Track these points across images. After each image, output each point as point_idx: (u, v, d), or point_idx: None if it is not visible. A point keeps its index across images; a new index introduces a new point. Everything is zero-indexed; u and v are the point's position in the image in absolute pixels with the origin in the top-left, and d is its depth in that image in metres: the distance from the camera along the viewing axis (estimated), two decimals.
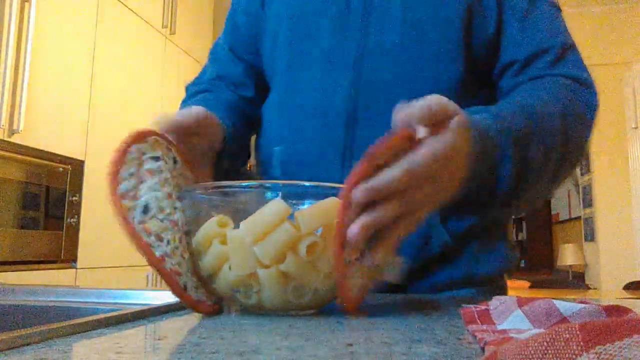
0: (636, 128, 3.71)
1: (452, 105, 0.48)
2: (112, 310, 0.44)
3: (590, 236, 4.16)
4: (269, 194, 0.45)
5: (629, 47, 3.96)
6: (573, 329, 0.21)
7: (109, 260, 2.33)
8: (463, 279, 0.68)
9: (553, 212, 6.24)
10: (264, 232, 0.42)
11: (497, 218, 0.72)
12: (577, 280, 4.27)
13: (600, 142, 4.00)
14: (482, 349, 0.29)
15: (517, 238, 7.05)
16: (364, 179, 0.41)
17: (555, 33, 0.71)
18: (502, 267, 0.72)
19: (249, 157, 0.80)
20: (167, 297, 0.54)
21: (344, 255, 0.41)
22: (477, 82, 0.70)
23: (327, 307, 0.48)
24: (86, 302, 0.56)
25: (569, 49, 0.70)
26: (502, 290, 0.74)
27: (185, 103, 0.77)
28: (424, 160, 0.43)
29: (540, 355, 0.21)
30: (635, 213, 3.78)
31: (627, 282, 3.38)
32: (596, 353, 0.19)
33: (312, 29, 0.71)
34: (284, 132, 0.72)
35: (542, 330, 0.32)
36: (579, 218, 4.67)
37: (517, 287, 3.54)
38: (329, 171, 0.66)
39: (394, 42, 0.66)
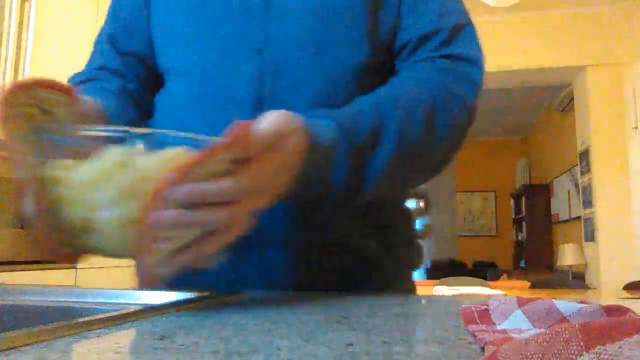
0: (636, 128, 3.71)
1: (293, 124, 0.50)
2: (112, 310, 0.44)
3: (590, 236, 4.16)
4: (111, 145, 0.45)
5: (629, 47, 3.96)
6: (573, 329, 0.21)
7: (109, 260, 2.32)
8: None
9: (553, 212, 6.25)
10: (97, 175, 0.43)
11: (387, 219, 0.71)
12: (577, 280, 4.27)
13: (600, 142, 4.00)
14: (482, 349, 0.29)
15: (517, 238, 7.05)
16: (194, 169, 0.41)
17: (448, 13, 0.69)
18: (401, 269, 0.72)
19: None
20: (167, 297, 0.54)
21: (148, 233, 0.41)
22: (385, 67, 0.69)
23: (326, 307, 0.48)
24: (86, 302, 0.56)
25: (461, 28, 0.69)
26: (410, 292, 0.75)
27: None
28: (252, 179, 0.45)
29: (540, 355, 0.21)
30: (635, 213, 3.78)
31: (627, 282, 3.38)
32: (596, 353, 0.19)
33: (212, 16, 0.68)
34: (187, 121, 0.70)
35: (542, 330, 0.32)
36: (579, 218, 4.67)
37: (517, 287, 3.54)
38: None
39: (298, 27, 0.65)
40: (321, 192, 0.56)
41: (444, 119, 0.62)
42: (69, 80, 0.78)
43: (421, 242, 0.78)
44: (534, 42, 4.10)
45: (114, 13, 0.81)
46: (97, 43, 0.82)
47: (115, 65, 0.78)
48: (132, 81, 0.78)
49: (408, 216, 0.77)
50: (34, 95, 0.47)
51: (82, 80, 0.76)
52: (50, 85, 0.49)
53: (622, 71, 3.92)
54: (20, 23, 1.93)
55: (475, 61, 0.68)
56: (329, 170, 0.55)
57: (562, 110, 5.47)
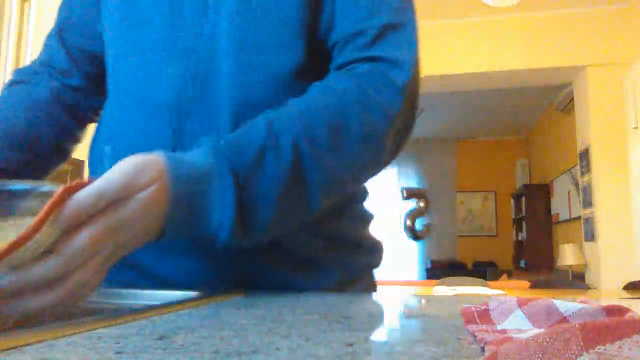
0: (636, 128, 3.71)
1: (145, 172, 0.44)
2: (112, 310, 0.44)
3: (590, 236, 4.17)
4: None
5: (629, 47, 3.96)
6: (573, 329, 0.21)
7: None
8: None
9: (553, 212, 6.25)
10: None
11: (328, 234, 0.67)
12: (577, 280, 4.27)
13: (600, 142, 4.01)
14: (482, 349, 0.29)
15: (517, 238, 7.06)
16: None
17: (377, 12, 0.63)
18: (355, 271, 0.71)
19: (66, 156, 0.77)
20: (167, 297, 0.54)
21: None
22: (317, 70, 0.64)
23: (326, 307, 0.48)
24: (86, 302, 0.56)
25: (390, 28, 0.63)
26: (370, 289, 0.74)
27: (3, 91, 0.74)
28: (89, 243, 0.40)
29: (540, 355, 0.21)
30: (635, 213, 3.78)
31: (627, 282, 3.38)
32: (596, 353, 0.19)
33: (144, 16, 0.65)
34: (112, 127, 0.67)
35: (542, 330, 0.32)
36: (579, 218, 4.67)
37: (517, 287, 3.54)
38: None
39: (229, 29, 0.61)
40: (206, 231, 0.49)
41: (356, 129, 0.57)
42: (12, 73, 0.78)
43: (378, 240, 0.75)
44: (534, 42, 4.10)
45: (66, 6, 0.79)
46: (47, 37, 0.80)
47: (59, 62, 0.76)
48: (77, 78, 0.76)
49: (358, 218, 0.73)
50: None
51: (16, 80, 0.75)
52: None
53: (622, 71, 3.92)
54: (20, 23, 1.93)
55: (401, 64, 0.61)
56: (207, 207, 0.49)
57: (562, 110, 5.47)
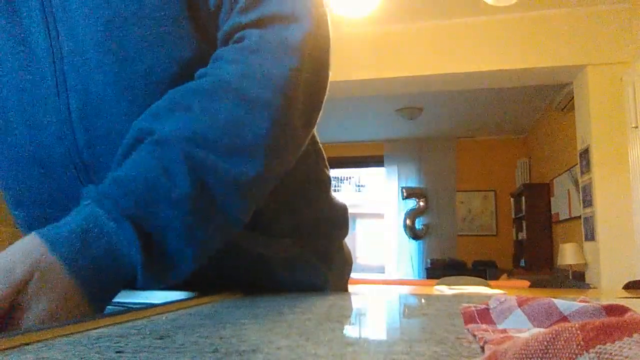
0: (636, 128, 3.71)
1: (21, 265, 0.40)
2: (112, 310, 0.44)
3: (590, 236, 4.16)
4: None
5: (629, 47, 3.96)
6: (573, 328, 0.21)
7: None
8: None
9: (553, 212, 6.25)
10: None
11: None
12: (577, 279, 4.27)
13: (600, 142, 4.01)
14: (482, 348, 0.29)
15: (517, 238, 7.05)
16: None
17: None
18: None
19: None
20: (167, 297, 0.54)
21: None
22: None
23: (326, 307, 0.48)
24: None
25: None
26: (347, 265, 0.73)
27: None
28: None
29: (540, 355, 0.21)
30: (635, 213, 3.78)
31: (627, 281, 3.38)
32: (596, 352, 0.19)
33: (4, 60, 0.55)
34: (12, 190, 0.59)
35: (542, 329, 0.32)
36: (579, 218, 4.67)
37: (517, 286, 3.54)
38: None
39: (88, 47, 0.51)
40: (125, 274, 0.44)
41: (248, 120, 0.49)
42: None
43: (340, 205, 0.72)
44: (534, 42, 4.10)
45: None
46: None
47: None
48: None
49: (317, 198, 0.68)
50: None
51: None
52: None
53: (622, 71, 3.92)
54: None
55: (293, 19, 0.52)
56: (112, 255, 0.44)
57: (562, 110, 5.47)
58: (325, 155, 0.71)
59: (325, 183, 0.70)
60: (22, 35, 0.54)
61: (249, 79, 0.50)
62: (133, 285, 0.45)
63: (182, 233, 0.45)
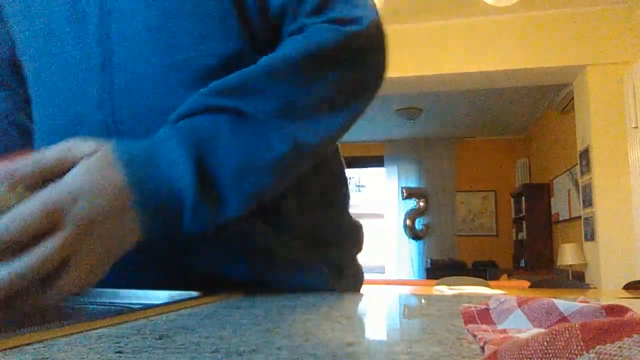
0: (636, 128, 3.71)
1: (86, 145, 0.44)
2: (112, 310, 0.44)
3: (590, 236, 4.16)
4: None
5: (629, 47, 3.96)
6: (573, 328, 0.21)
7: None
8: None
9: (553, 212, 6.25)
10: None
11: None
12: (577, 280, 4.27)
13: (600, 142, 4.01)
14: (482, 348, 0.29)
15: (517, 238, 7.05)
16: None
17: None
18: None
19: None
20: (167, 297, 0.54)
21: None
22: (257, 52, 0.58)
23: (326, 307, 0.48)
24: (86, 302, 0.56)
25: None
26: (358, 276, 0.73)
27: None
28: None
29: (540, 355, 0.21)
30: (635, 213, 3.78)
31: (627, 282, 3.38)
32: (596, 353, 0.19)
33: (48, 30, 0.59)
34: (44, 141, 0.61)
35: (542, 329, 0.32)
36: (579, 218, 4.67)
37: (517, 286, 3.54)
38: None
39: (140, 27, 0.55)
40: (173, 195, 0.46)
41: (316, 89, 0.54)
42: None
43: (357, 223, 0.73)
44: (534, 42, 4.10)
45: None
46: None
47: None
48: (17, 90, 0.70)
49: (336, 206, 0.70)
50: None
51: None
52: None
53: (622, 71, 3.92)
54: None
55: (358, 20, 0.58)
56: (165, 162, 0.46)
57: (562, 110, 5.47)
58: (346, 175, 0.75)
59: (345, 197, 0.73)
60: (75, 9, 0.57)
61: (318, 52, 0.55)
62: (177, 229, 0.47)
63: (235, 175, 0.48)
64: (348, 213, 0.74)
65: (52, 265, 0.39)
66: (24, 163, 0.40)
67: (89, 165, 0.43)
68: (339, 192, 0.72)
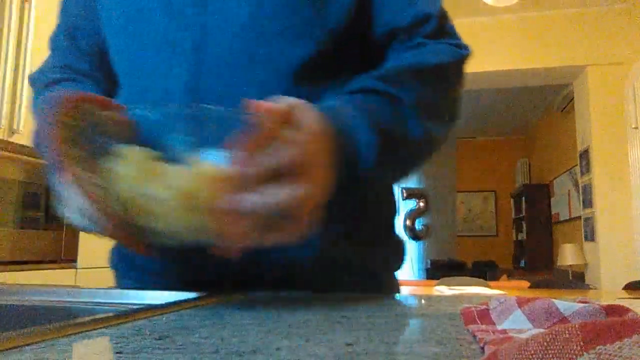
0: (636, 128, 3.71)
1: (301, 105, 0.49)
2: (112, 310, 0.44)
3: (590, 236, 4.16)
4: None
5: (629, 47, 3.96)
6: (573, 329, 0.21)
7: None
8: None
9: (553, 212, 6.25)
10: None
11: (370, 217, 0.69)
12: (577, 280, 4.27)
13: (600, 142, 4.00)
14: (482, 349, 0.29)
15: (517, 238, 7.06)
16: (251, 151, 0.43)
17: None
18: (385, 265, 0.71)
19: None
20: (167, 297, 0.54)
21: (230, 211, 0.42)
22: (343, 57, 0.64)
23: (326, 307, 0.48)
24: (86, 302, 0.56)
25: (444, 17, 0.67)
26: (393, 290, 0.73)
27: (41, 93, 0.70)
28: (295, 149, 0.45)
29: (540, 355, 0.21)
30: (635, 213, 3.78)
31: (627, 282, 3.38)
32: (596, 353, 0.19)
33: (144, 9, 0.63)
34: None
35: (542, 330, 0.32)
36: (579, 218, 4.67)
37: (517, 287, 3.54)
38: None
39: (235, 20, 0.60)
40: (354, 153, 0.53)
41: (448, 95, 0.64)
42: (35, 77, 0.74)
43: (401, 238, 0.75)
44: (534, 42, 4.10)
45: (66, 7, 0.75)
46: (54, 38, 0.76)
47: (80, 65, 0.73)
48: (101, 81, 0.73)
49: (386, 210, 0.73)
50: (83, 110, 0.47)
51: (56, 79, 0.70)
52: (100, 103, 0.48)
53: (622, 71, 3.92)
54: (20, 23, 1.93)
55: (465, 46, 0.67)
56: (355, 142, 0.53)
57: (562, 110, 5.47)
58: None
59: (394, 210, 0.75)
60: None
61: (446, 69, 0.64)
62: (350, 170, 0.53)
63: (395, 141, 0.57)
64: (394, 225, 0.76)
65: (293, 207, 0.44)
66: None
67: (311, 127, 0.48)
68: (393, 206, 0.75)
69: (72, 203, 0.44)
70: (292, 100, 0.48)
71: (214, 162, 0.44)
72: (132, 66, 0.66)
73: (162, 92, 0.62)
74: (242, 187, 0.42)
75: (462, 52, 0.66)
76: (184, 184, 0.43)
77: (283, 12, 0.60)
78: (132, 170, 0.44)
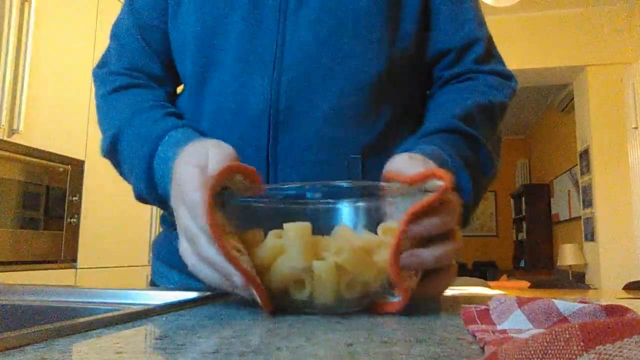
0: (636, 128, 3.71)
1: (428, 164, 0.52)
2: (112, 310, 0.44)
3: (590, 236, 4.16)
4: (309, 194, 0.48)
5: (629, 47, 3.96)
6: (573, 329, 0.21)
7: (109, 260, 2.33)
8: None
9: (553, 212, 6.25)
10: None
11: None
12: (577, 280, 4.27)
13: (600, 142, 4.00)
14: (482, 349, 0.29)
15: (517, 238, 7.06)
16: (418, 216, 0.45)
17: (482, 23, 0.72)
18: None
19: None
20: (167, 297, 0.54)
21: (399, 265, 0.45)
22: (404, 74, 0.68)
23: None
24: (86, 302, 0.56)
25: (490, 41, 0.73)
26: None
27: (114, 97, 0.69)
28: (453, 210, 0.48)
29: (540, 355, 0.21)
30: (635, 213, 3.78)
31: (627, 282, 3.38)
32: (596, 353, 0.19)
33: (223, 24, 0.66)
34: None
35: (542, 330, 0.32)
36: (579, 218, 4.67)
37: (517, 287, 3.54)
38: None
39: (311, 38, 0.63)
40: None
41: (497, 129, 0.68)
42: (101, 76, 0.72)
43: None
44: (534, 42, 4.10)
45: (136, 3, 0.74)
46: (120, 36, 0.75)
47: (152, 68, 0.72)
48: (170, 84, 0.73)
49: None
50: (232, 181, 0.48)
51: (123, 85, 0.70)
52: (243, 171, 0.49)
53: (622, 71, 3.92)
54: (20, 23, 1.93)
55: (511, 76, 0.72)
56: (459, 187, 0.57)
57: (562, 110, 5.47)
58: None
59: None
60: (255, 12, 0.65)
61: (505, 107, 0.69)
62: None
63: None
64: None
65: (446, 262, 0.48)
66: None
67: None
68: None
69: (221, 270, 0.44)
70: (425, 162, 0.52)
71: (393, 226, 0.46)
72: (204, 80, 0.67)
73: (240, 101, 0.64)
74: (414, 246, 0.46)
75: (512, 87, 0.71)
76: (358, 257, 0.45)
77: (352, 33, 0.64)
78: (297, 244, 0.45)
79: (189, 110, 0.69)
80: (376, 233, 0.47)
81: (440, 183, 0.45)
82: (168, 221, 0.72)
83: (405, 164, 0.51)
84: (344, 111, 0.63)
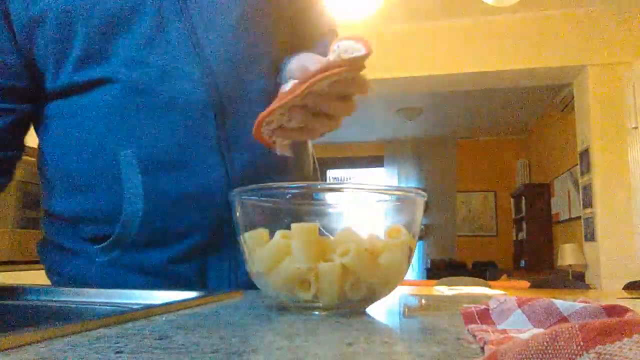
0: (636, 128, 3.71)
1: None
2: (112, 310, 0.44)
3: (590, 236, 4.16)
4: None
5: (629, 47, 3.96)
6: (573, 329, 0.21)
7: None
8: None
9: (553, 212, 6.25)
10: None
11: None
12: (577, 280, 4.27)
13: (600, 142, 4.00)
14: (482, 349, 0.29)
15: (517, 238, 7.05)
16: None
17: None
18: None
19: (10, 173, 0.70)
20: (167, 297, 0.54)
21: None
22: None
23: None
24: (86, 302, 0.56)
25: None
26: None
27: None
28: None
29: (540, 355, 0.21)
30: (635, 213, 3.78)
31: (627, 282, 3.38)
32: (596, 353, 0.19)
33: (128, 17, 0.63)
34: (133, 132, 0.63)
35: (542, 330, 0.32)
36: (579, 218, 4.67)
37: (517, 287, 3.54)
38: (208, 168, 0.64)
39: (223, 27, 0.67)
40: None
41: None
42: None
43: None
44: (534, 42, 4.10)
45: None
46: None
47: (9, 61, 0.65)
48: (25, 79, 0.67)
49: None
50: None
51: None
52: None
53: (622, 71, 3.92)
54: None
55: None
56: None
57: (562, 110, 5.47)
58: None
59: None
60: (161, 17, 0.65)
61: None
62: None
63: None
64: None
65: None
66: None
67: None
68: None
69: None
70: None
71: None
72: (134, 72, 0.65)
73: (178, 91, 0.65)
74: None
75: None
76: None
77: (263, 10, 0.72)
78: (303, 245, 0.45)
79: (107, 107, 0.65)
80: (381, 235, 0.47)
81: (358, 46, 0.50)
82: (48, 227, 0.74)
83: (310, 58, 0.58)
84: (273, 88, 0.68)
